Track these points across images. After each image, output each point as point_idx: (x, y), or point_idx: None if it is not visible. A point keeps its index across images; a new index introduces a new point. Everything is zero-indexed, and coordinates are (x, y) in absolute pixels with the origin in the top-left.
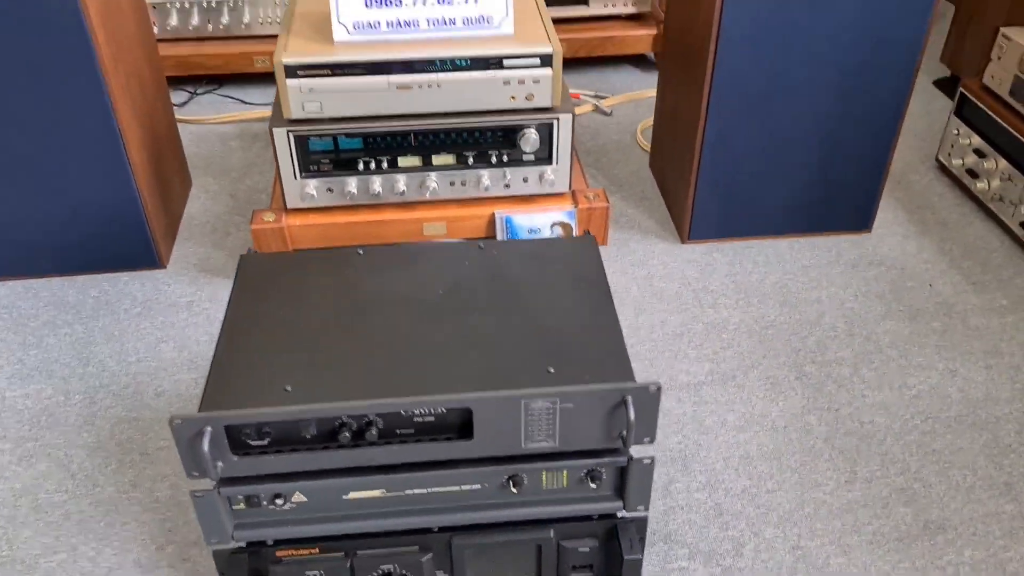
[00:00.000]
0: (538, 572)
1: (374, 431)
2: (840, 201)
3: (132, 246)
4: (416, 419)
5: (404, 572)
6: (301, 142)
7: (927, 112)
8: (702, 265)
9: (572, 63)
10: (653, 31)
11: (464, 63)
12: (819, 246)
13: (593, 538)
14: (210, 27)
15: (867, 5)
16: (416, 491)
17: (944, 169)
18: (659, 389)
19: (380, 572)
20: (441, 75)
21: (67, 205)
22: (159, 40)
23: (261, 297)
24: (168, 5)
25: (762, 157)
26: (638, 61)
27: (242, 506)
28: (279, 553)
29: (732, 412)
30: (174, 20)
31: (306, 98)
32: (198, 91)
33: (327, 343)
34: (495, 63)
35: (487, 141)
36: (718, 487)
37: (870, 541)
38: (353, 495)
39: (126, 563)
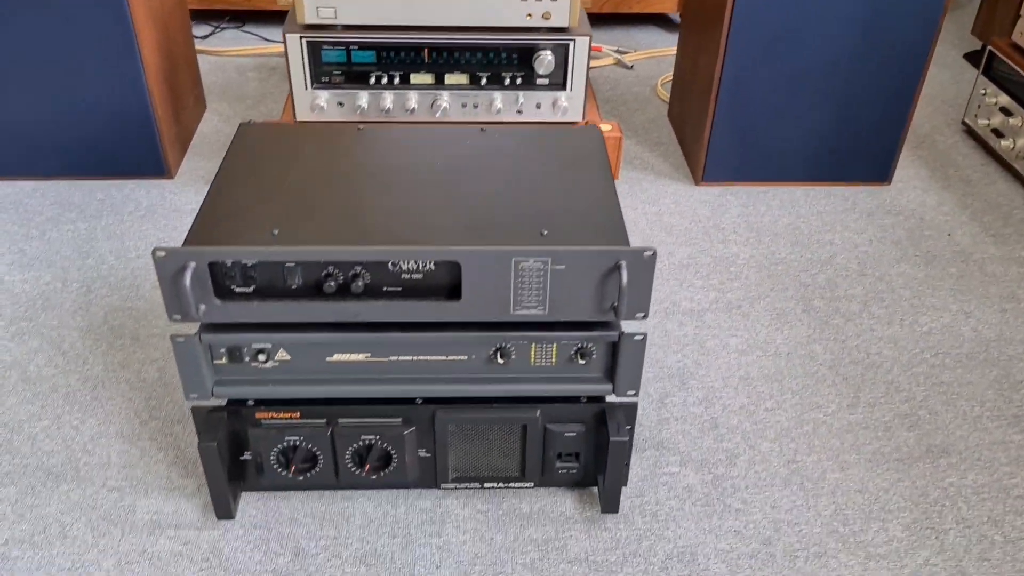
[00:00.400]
0: (522, 458)
1: (360, 283)
2: (859, 150)
3: (141, 153)
4: (404, 276)
5: (386, 445)
6: (314, 50)
7: (956, 82)
8: (714, 206)
9: (597, 19)
10: None
11: None
12: (835, 195)
13: (580, 423)
14: None
15: None
16: (401, 358)
17: (970, 132)
18: (654, 255)
19: (362, 443)
20: None
21: (78, 106)
22: None
23: (256, 158)
24: None
25: (780, 97)
26: (662, 22)
27: (224, 360)
28: (259, 415)
29: (735, 337)
30: None
31: (321, 2)
32: (220, 26)
33: (319, 196)
34: None
35: (501, 62)
36: (715, 403)
37: (869, 460)
38: (337, 357)
39: (109, 432)
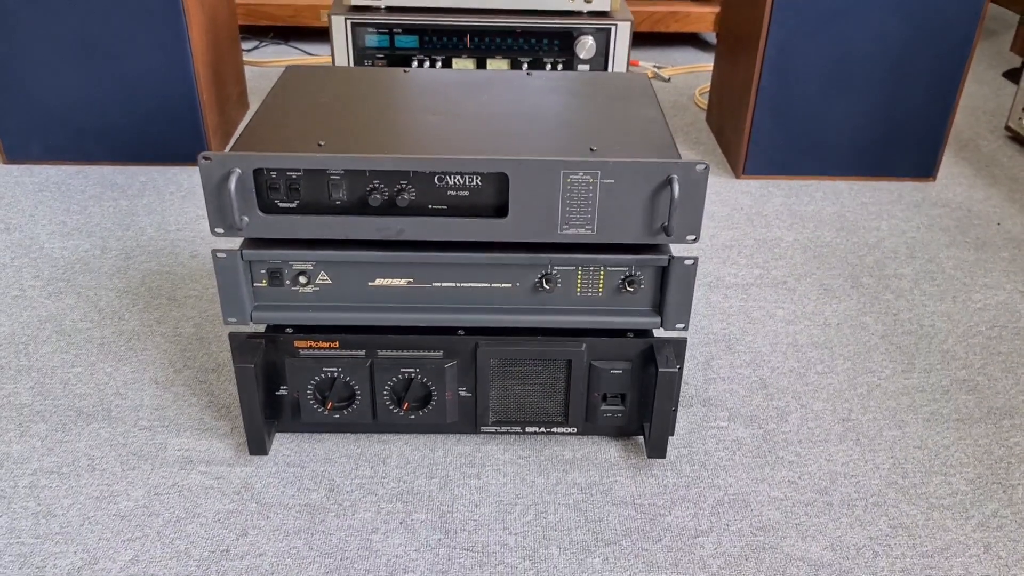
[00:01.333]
0: (566, 400)
1: (405, 199)
2: (903, 145)
3: (185, 138)
4: (449, 192)
5: (425, 380)
6: (358, 34)
7: (996, 96)
8: (756, 196)
9: (635, 38)
10: (715, 9)
11: None
12: (880, 188)
13: (626, 361)
14: None
15: None
16: (443, 284)
17: (1015, 137)
18: (707, 169)
19: (401, 377)
20: None
21: (125, 89)
22: None
23: (303, 89)
24: None
25: (821, 90)
26: (698, 42)
27: (264, 283)
28: (298, 344)
29: (781, 308)
30: None
31: None
32: (264, 42)
33: (366, 117)
34: None
35: (543, 46)
36: (763, 365)
37: (927, 419)
38: (379, 282)
39: (143, 379)
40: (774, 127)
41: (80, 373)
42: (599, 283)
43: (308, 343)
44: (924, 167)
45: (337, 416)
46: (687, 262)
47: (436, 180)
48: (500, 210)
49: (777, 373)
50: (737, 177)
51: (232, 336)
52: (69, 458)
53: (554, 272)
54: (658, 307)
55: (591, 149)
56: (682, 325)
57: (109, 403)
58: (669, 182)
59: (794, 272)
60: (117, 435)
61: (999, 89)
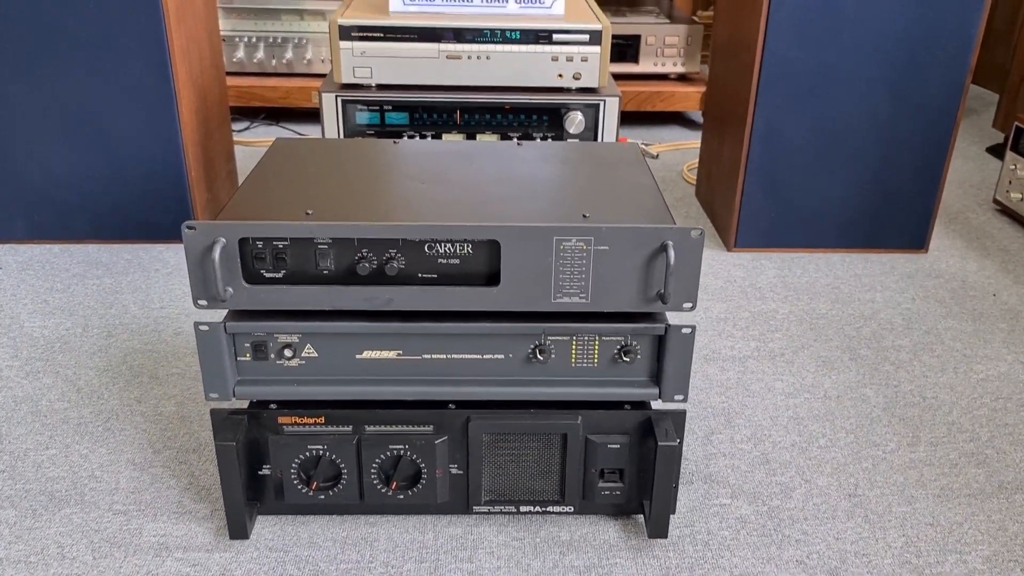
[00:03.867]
0: (562, 477)
1: (394, 267)
2: (893, 217)
3: (172, 217)
4: (440, 261)
5: (415, 457)
6: (348, 111)
7: (981, 171)
8: (748, 268)
9: (622, 116)
10: (701, 89)
11: (514, 35)
12: (872, 260)
13: (624, 434)
14: (274, 63)
15: None
16: (434, 356)
17: (1004, 211)
18: (702, 234)
19: (389, 454)
20: (491, 46)
21: (113, 168)
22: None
23: (291, 161)
24: (236, 39)
25: (812, 156)
26: (684, 121)
27: (248, 357)
28: (281, 420)
29: (780, 381)
30: (240, 53)
31: (357, 62)
32: (255, 123)
33: (355, 183)
34: (545, 37)
35: (532, 122)
36: (764, 439)
37: (938, 495)
38: (367, 354)
39: (119, 461)
40: (764, 200)
41: (54, 455)
42: (594, 353)
43: (292, 419)
44: (915, 239)
45: (323, 497)
46: (684, 331)
47: (426, 248)
48: (492, 278)
49: (779, 448)
50: (729, 250)
51: (214, 412)
52: (38, 546)
53: (548, 343)
54: (656, 378)
55: (584, 216)
56: (681, 396)
57: (83, 486)
58: (664, 248)
59: (791, 344)
60: (90, 521)
61: (984, 164)
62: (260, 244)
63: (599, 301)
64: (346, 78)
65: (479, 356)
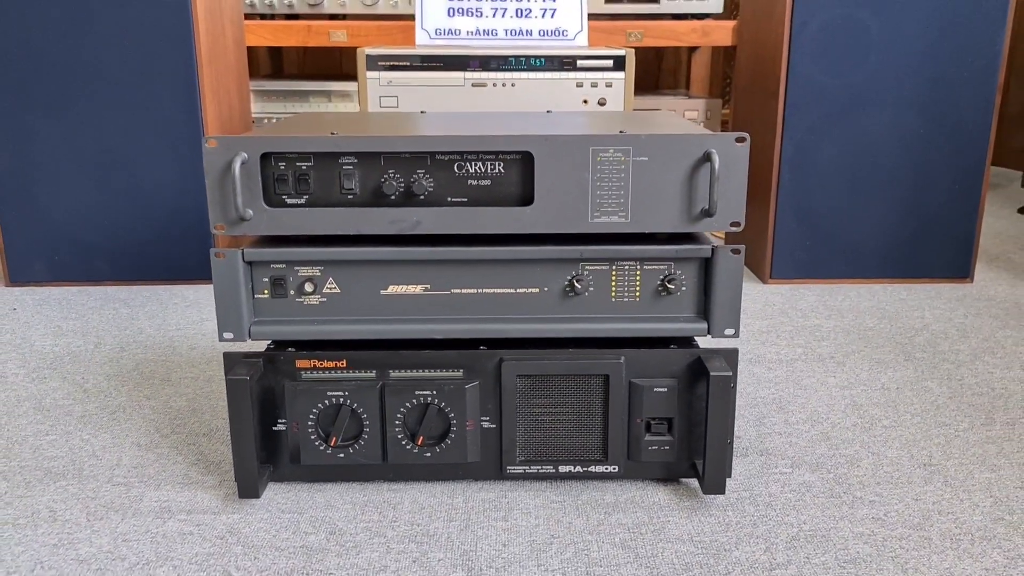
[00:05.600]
0: (604, 429)
1: (423, 185)
2: (934, 243)
3: (193, 257)
4: (471, 182)
5: (443, 404)
6: None
7: (1015, 227)
8: (787, 296)
9: None
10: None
11: (539, 62)
12: (916, 289)
13: (671, 377)
14: None
15: (936, 7)
16: (464, 291)
17: None
18: (747, 143)
19: (416, 402)
20: (516, 74)
21: (138, 205)
22: None
23: (318, 116)
24: (265, 120)
25: (845, 179)
26: None
27: (266, 294)
28: (300, 363)
29: (833, 377)
30: None
31: (384, 91)
32: None
33: (384, 123)
34: (569, 64)
35: None
36: (822, 421)
37: (1022, 465)
38: (393, 289)
39: (124, 444)
40: (798, 228)
41: (54, 440)
42: (636, 285)
43: (311, 362)
44: (959, 268)
45: (342, 455)
46: (732, 251)
47: (456, 168)
48: (525, 198)
49: (839, 428)
50: (764, 282)
51: (227, 355)
52: (28, 511)
53: (585, 273)
54: (703, 311)
55: (621, 132)
56: (731, 331)
57: (82, 463)
58: (708, 157)
59: (840, 350)
60: (86, 490)
61: (1018, 221)
62: (283, 165)
63: (640, 220)
64: (372, 107)
65: (512, 290)
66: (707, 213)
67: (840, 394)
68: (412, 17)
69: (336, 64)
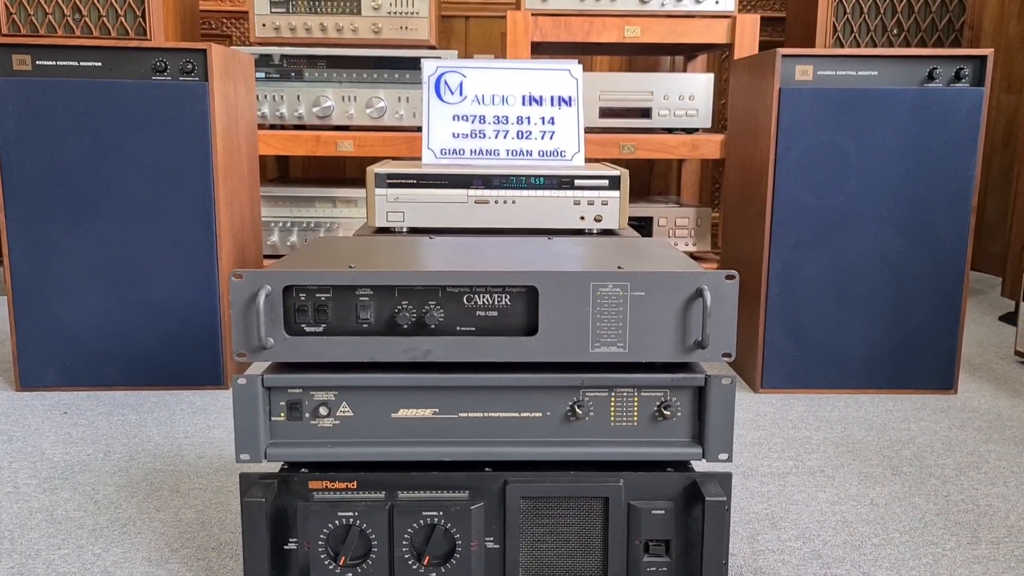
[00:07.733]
0: (604, 550)
1: (434, 316)
2: (918, 355)
3: (203, 365)
4: (479, 313)
5: (449, 525)
6: None
7: (997, 335)
8: (778, 406)
9: None
10: (713, 266)
11: (539, 181)
12: (903, 400)
13: (668, 500)
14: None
15: (912, 136)
16: (471, 415)
17: None
18: (736, 279)
19: (422, 523)
20: (516, 192)
21: (150, 315)
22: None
23: (332, 242)
24: (272, 224)
25: (831, 292)
26: None
27: (282, 417)
28: (312, 484)
29: (823, 492)
30: (275, 237)
31: (391, 207)
32: None
33: (396, 253)
34: (567, 182)
35: None
36: (813, 538)
37: None
38: (403, 412)
39: (135, 559)
40: (787, 340)
41: (66, 554)
42: (633, 410)
43: (324, 483)
44: (943, 379)
45: (350, 575)
46: (724, 381)
47: (465, 300)
48: (530, 328)
49: (830, 546)
50: (755, 391)
51: (243, 476)
52: None
53: (586, 399)
54: (698, 436)
55: (619, 267)
56: (725, 455)
57: None
58: (700, 293)
59: (829, 463)
60: None
61: (999, 329)
62: (303, 296)
63: (637, 350)
64: (379, 222)
65: (516, 414)
66: (700, 345)
67: (831, 510)
68: (416, 129)
69: (340, 169)
